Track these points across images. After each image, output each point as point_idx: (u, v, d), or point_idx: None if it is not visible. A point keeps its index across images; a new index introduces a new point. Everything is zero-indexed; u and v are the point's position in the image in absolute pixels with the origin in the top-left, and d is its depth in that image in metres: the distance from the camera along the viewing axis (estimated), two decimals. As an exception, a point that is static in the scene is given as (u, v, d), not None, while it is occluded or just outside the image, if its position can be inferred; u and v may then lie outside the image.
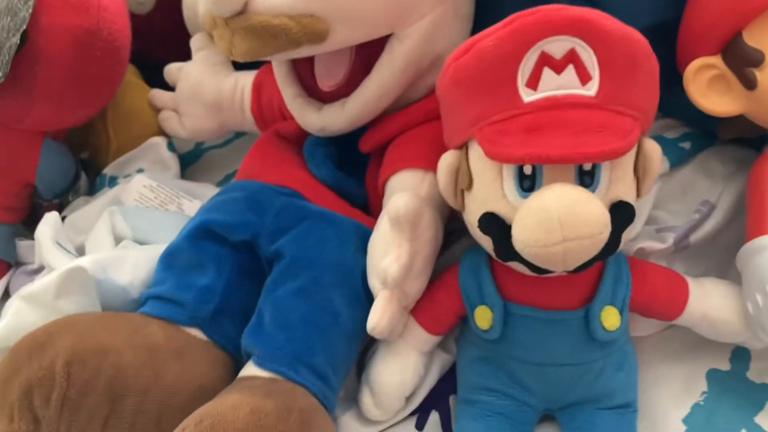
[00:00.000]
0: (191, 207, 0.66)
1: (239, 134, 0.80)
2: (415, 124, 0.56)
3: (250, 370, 0.49)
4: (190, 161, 0.79)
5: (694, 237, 0.55)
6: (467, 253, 0.52)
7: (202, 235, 0.55)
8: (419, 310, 0.52)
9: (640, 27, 0.45)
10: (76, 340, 0.46)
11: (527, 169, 0.43)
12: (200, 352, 0.51)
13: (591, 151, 0.40)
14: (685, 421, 0.52)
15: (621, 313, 0.48)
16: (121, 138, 0.73)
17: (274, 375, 0.48)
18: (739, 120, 0.52)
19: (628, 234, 0.45)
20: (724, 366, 0.55)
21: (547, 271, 0.44)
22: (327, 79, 0.56)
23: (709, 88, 0.51)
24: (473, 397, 0.51)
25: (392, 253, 0.46)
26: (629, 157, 0.45)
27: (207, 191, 0.69)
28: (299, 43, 0.49)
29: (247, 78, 0.69)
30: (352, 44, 0.52)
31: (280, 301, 0.50)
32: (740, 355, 0.55)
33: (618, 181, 0.44)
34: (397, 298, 0.48)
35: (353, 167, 0.59)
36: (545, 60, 0.42)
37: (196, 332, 0.52)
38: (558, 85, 0.42)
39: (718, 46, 0.50)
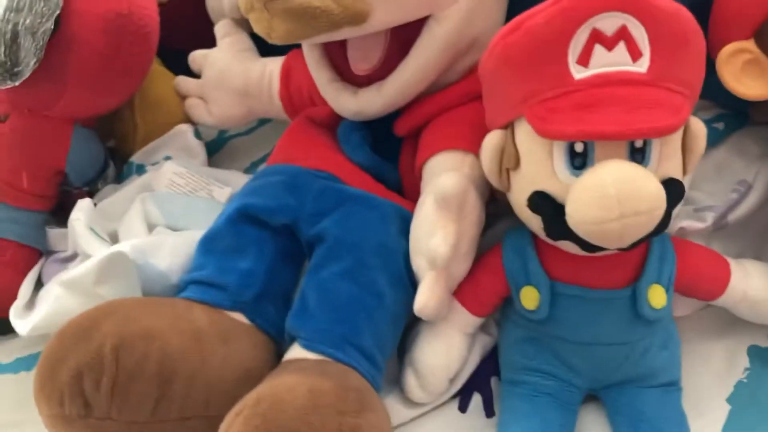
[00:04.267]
0: (221, 194, 0.66)
1: (263, 122, 0.79)
2: (452, 107, 0.56)
3: (297, 352, 0.49)
4: (214, 149, 0.79)
5: (733, 216, 0.56)
6: (510, 233, 0.52)
7: (242, 219, 0.54)
8: (462, 292, 0.51)
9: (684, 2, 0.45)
10: (121, 325, 0.46)
11: (578, 147, 0.43)
12: (244, 336, 0.51)
13: (644, 127, 0.40)
14: (729, 400, 0.52)
15: (667, 291, 0.48)
16: (148, 126, 0.72)
17: (323, 357, 0.48)
18: (771, 103, 0.53)
19: (676, 211, 0.46)
20: (764, 342, 0.55)
21: (598, 249, 0.44)
22: (361, 63, 0.56)
23: (743, 73, 0.51)
24: (519, 378, 0.51)
25: (439, 234, 0.46)
26: (678, 135, 0.45)
27: (236, 178, 0.69)
28: (339, 25, 0.49)
29: (275, 64, 0.69)
30: (392, 26, 0.52)
31: (324, 283, 0.50)
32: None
33: (668, 158, 0.44)
34: (444, 278, 0.48)
35: (387, 151, 0.59)
36: (596, 37, 0.42)
37: (239, 316, 0.52)
38: (609, 62, 0.42)
39: (752, 30, 0.50)
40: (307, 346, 0.48)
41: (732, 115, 0.61)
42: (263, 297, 0.53)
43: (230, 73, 0.70)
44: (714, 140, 0.60)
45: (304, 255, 0.55)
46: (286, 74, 0.68)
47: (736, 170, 0.59)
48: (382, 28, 0.52)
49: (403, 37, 0.54)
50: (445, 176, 0.47)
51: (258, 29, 0.52)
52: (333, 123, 0.61)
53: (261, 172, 0.59)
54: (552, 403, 0.50)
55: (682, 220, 0.54)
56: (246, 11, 0.52)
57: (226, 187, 0.67)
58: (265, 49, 0.71)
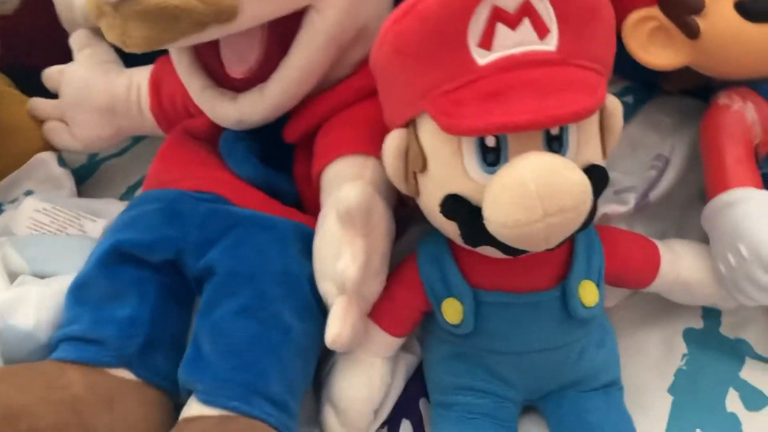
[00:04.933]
0: (95, 228, 0.58)
1: (137, 140, 0.71)
2: (346, 105, 0.50)
3: (195, 409, 0.42)
4: (86, 176, 0.70)
5: (654, 194, 0.53)
6: (424, 241, 0.46)
7: (115, 259, 0.47)
8: (378, 312, 0.46)
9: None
10: (-22, 405, 0.38)
11: (490, 141, 0.38)
12: (132, 395, 0.44)
13: (560, 113, 0.36)
14: (671, 390, 0.49)
15: (598, 286, 0.44)
16: (1, 158, 0.63)
17: (225, 412, 0.41)
18: (683, 71, 0.50)
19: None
20: (698, 324, 0.53)
21: (522, 252, 0.39)
22: (237, 65, 0.49)
23: (650, 41, 0.48)
24: (449, 400, 0.46)
25: (346, 253, 0.40)
26: (595, 117, 0.41)
27: (111, 208, 0.60)
28: (205, 25, 0.42)
29: (143, 74, 0.61)
30: (266, 20, 0.46)
31: (219, 323, 0.43)
32: (710, 311, 0.53)
33: (586, 143, 0.40)
34: (356, 303, 0.42)
35: (279, 162, 0.53)
36: (497, 15, 0.37)
37: (125, 373, 0.45)
38: (514, 42, 0.37)
39: (655, -4, 0.47)
40: (206, 401, 0.41)
41: (640, 88, 0.58)
42: (150, 347, 0.45)
43: (92, 90, 0.62)
44: (625, 115, 0.56)
45: (194, 293, 0.48)
46: (155, 85, 0.60)
47: (651, 145, 0.56)
48: (255, 24, 0.45)
49: (282, 32, 0.48)
50: (346, 188, 0.41)
51: (111, 37, 0.45)
52: (213, 135, 0.54)
53: (135, 200, 0.52)
54: (489, 424, 0.45)
55: (605, 206, 0.51)
56: (96, 18, 0.45)
57: (99, 219, 0.58)
58: (131, 58, 0.62)
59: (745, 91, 0.48)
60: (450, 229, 0.41)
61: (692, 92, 0.57)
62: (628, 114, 0.56)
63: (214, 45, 0.50)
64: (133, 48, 0.44)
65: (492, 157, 0.39)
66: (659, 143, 0.55)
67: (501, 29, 0.37)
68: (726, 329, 0.52)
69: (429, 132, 0.40)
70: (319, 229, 0.45)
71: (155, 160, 0.54)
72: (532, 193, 0.35)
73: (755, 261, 0.42)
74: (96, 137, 0.63)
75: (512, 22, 0.37)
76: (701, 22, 0.46)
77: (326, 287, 0.43)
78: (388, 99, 0.43)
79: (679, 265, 0.47)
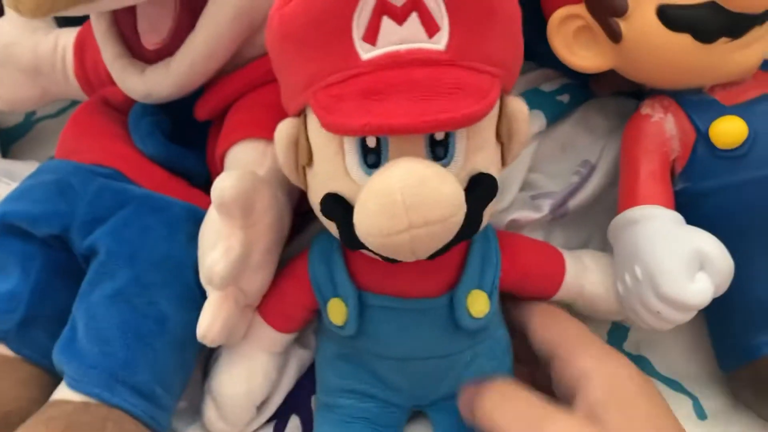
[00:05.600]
0: (8, 191, 0.56)
1: (75, 101, 0.69)
2: (255, 87, 0.48)
3: (61, 392, 0.41)
4: (19, 135, 0.68)
5: (573, 202, 0.50)
6: (319, 237, 0.45)
7: (1, 230, 0.45)
8: (266, 305, 0.45)
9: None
10: None
11: (371, 142, 0.36)
12: (5, 371, 0.43)
13: (441, 118, 0.33)
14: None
15: (490, 297, 0.42)
16: None
17: (87, 398, 0.40)
18: (612, 74, 0.47)
19: (494, 207, 0.40)
20: (603, 338, 0.51)
21: (396, 260, 0.38)
22: (151, 35, 0.47)
23: (576, 41, 0.46)
24: (333, 401, 0.45)
25: (219, 247, 0.39)
26: (489, 122, 0.38)
27: (31, 170, 0.59)
28: None
29: (69, 36, 0.59)
30: (170, -9, 0.44)
31: (93, 307, 0.42)
32: (619, 326, 0.51)
33: (477, 150, 0.37)
34: (232, 298, 0.41)
35: (192, 140, 0.51)
36: (383, 7, 0.35)
37: (0, 348, 0.43)
38: (400, 38, 0.35)
39: (582, -8, 0.44)
40: (72, 386, 0.40)
41: (578, 86, 0.55)
42: (31, 323, 0.44)
43: (17, 48, 0.59)
44: (558, 115, 0.54)
45: (84, 270, 0.46)
46: (80, 48, 0.58)
47: (581, 148, 0.53)
48: (152, -4, 0.43)
49: (195, 5, 0.45)
50: (223, 176, 0.39)
51: (6, 2, 0.42)
52: (128, 106, 0.52)
53: (36, 170, 0.50)
54: (368, 429, 0.44)
55: (516, 211, 0.49)
56: (-6, -21, 0.43)
57: (14, 182, 0.57)
58: (65, 20, 0.60)
59: (668, 101, 0.46)
60: (332, 228, 0.39)
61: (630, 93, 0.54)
62: (562, 113, 0.54)
63: (131, 13, 0.48)
64: (26, 14, 0.41)
65: (373, 159, 0.37)
66: (590, 146, 0.52)
67: (387, 23, 0.35)
68: (630, 345, 0.51)
69: (315, 125, 0.38)
70: (206, 217, 0.44)
71: (66, 127, 0.53)
72: (398, 203, 0.33)
73: (648, 284, 0.40)
74: (20, 98, 0.61)
75: (399, 17, 0.35)
76: (623, 25, 0.43)
77: (202, 278, 0.41)
78: (282, 85, 0.41)
79: (585, 278, 0.45)
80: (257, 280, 0.42)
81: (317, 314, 0.46)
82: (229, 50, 0.47)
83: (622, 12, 0.42)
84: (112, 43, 0.49)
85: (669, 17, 0.41)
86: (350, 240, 0.37)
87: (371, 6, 0.35)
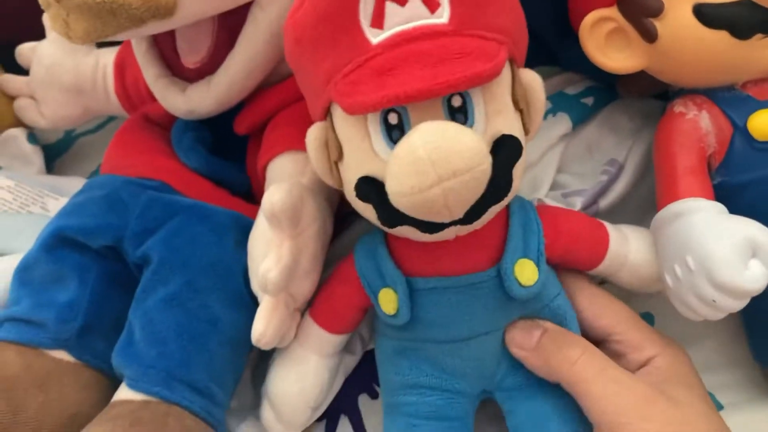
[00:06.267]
0: (57, 206, 0.59)
1: (112, 116, 0.72)
2: (292, 101, 0.50)
3: (123, 393, 0.43)
4: (62, 150, 0.71)
5: (604, 201, 0.51)
6: (362, 237, 0.46)
7: (58, 243, 0.48)
8: (316, 309, 0.46)
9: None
10: None
11: (392, 118, 0.38)
12: (69, 377, 0.45)
13: (453, 78, 0.35)
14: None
15: (537, 264, 0.43)
16: (-28, 133, 0.64)
17: (147, 397, 0.42)
18: (640, 76, 0.48)
19: (521, 177, 0.40)
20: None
21: (438, 227, 0.39)
22: (190, 55, 0.50)
23: (608, 44, 0.47)
24: (396, 400, 0.45)
25: (271, 255, 0.41)
26: (503, 88, 0.39)
27: (76, 185, 0.61)
28: (143, 20, 0.43)
29: (109, 56, 0.62)
30: (207, 16, 0.46)
31: (149, 312, 0.44)
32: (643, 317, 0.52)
33: (496, 114, 0.38)
34: (283, 302, 0.43)
35: (233, 152, 0.53)
36: None
37: (63, 354, 0.46)
38: (405, 18, 0.37)
39: (613, -5, 0.46)
40: (132, 386, 0.43)
41: (602, 89, 0.56)
42: (90, 330, 0.47)
43: (60, 68, 0.63)
44: (583, 117, 0.55)
45: (138, 279, 0.49)
46: (120, 67, 0.60)
47: (607, 148, 0.54)
48: (194, 20, 0.45)
49: (233, 25, 0.48)
50: (272, 188, 0.41)
51: (56, 28, 0.45)
52: (170, 122, 0.54)
53: (84, 186, 0.52)
54: (438, 428, 0.44)
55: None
56: (44, 7, 0.45)
57: (62, 197, 0.60)
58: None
59: (701, 99, 0.47)
60: (370, 214, 0.40)
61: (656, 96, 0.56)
62: (587, 115, 0.55)
63: (170, 34, 0.50)
64: (76, 40, 0.44)
65: (397, 134, 0.38)
66: (616, 146, 0.54)
67: (390, 7, 0.37)
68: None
69: (340, 119, 0.40)
70: (254, 226, 0.46)
71: (111, 144, 0.55)
72: (423, 159, 0.35)
73: (702, 273, 0.40)
74: (63, 116, 0.64)
75: None
76: (659, 25, 0.44)
77: (255, 285, 0.44)
78: (306, 92, 0.43)
79: (627, 246, 0.46)
80: (306, 285, 0.44)
81: (366, 314, 0.47)
82: (266, 68, 0.49)
83: (657, 12, 0.44)
84: (152, 64, 0.52)
85: (706, 15, 0.43)
86: (389, 217, 0.38)
87: None
